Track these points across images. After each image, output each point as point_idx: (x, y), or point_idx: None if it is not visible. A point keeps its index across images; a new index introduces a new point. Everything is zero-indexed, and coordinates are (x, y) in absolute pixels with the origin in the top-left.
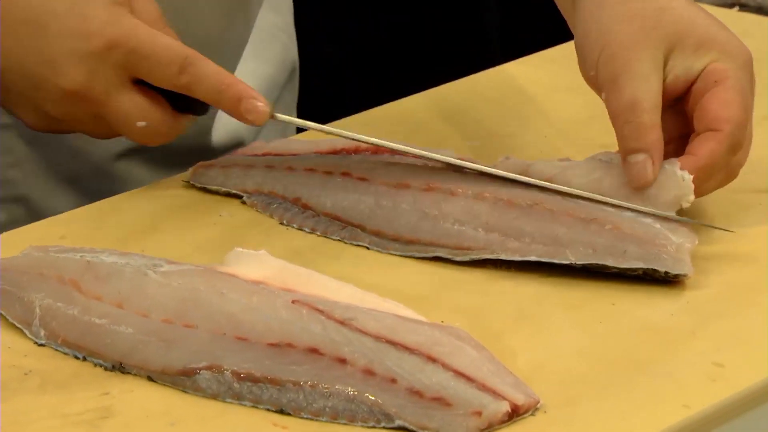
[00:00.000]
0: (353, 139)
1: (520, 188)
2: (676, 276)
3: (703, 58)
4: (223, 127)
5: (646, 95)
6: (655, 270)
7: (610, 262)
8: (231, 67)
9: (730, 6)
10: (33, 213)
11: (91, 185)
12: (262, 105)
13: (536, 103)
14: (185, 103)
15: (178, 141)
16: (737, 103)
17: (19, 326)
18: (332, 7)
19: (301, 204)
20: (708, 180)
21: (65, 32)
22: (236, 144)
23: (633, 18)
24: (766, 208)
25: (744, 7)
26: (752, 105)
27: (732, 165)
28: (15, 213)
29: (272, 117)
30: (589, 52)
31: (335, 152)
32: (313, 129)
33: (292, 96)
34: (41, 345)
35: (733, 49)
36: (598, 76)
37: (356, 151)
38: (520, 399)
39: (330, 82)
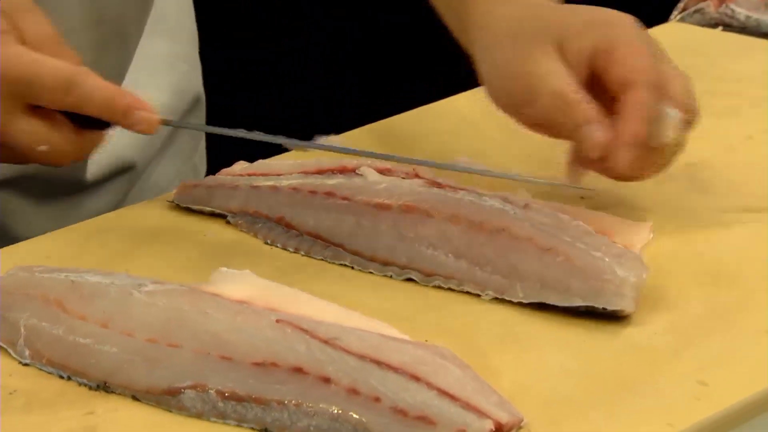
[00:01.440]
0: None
1: (493, 210)
2: (614, 311)
3: (589, 36)
4: (103, 154)
5: (561, 82)
6: (593, 306)
7: (554, 300)
8: None
9: (714, 26)
10: None
11: None
12: (148, 114)
13: None
14: (87, 120)
15: (53, 173)
16: (633, 53)
17: (4, 346)
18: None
19: (285, 223)
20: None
21: None
22: (124, 168)
23: (516, 35)
24: (748, 228)
25: (728, 28)
26: (652, 45)
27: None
28: None
29: (165, 123)
30: (492, 85)
31: (321, 172)
32: (219, 133)
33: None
34: (26, 364)
35: (614, 18)
36: (512, 100)
37: (342, 171)
38: (504, 417)
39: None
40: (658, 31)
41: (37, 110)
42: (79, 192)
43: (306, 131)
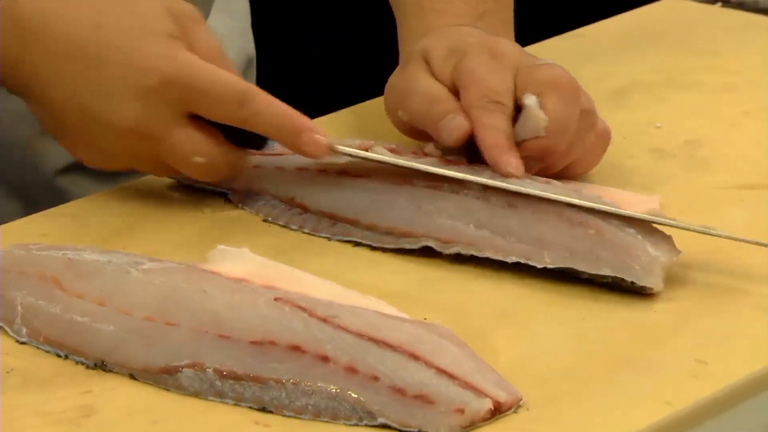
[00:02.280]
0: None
1: (520, 187)
2: (643, 288)
3: (448, 64)
4: None
5: (431, 83)
6: (622, 279)
7: (582, 267)
8: None
9: (713, 2)
10: None
11: (37, 197)
12: (321, 138)
13: None
14: (242, 137)
15: None
16: (468, 80)
17: (1, 324)
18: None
19: (296, 203)
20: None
21: (120, 66)
22: None
23: (405, 62)
24: (747, 205)
25: (726, 3)
26: (503, 64)
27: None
28: None
29: (332, 149)
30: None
31: None
32: (373, 159)
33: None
34: (22, 343)
35: (470, 48)
36: (391, 105)
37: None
38: (503, 396)
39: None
40: (656, 8)
41: (194, 120)
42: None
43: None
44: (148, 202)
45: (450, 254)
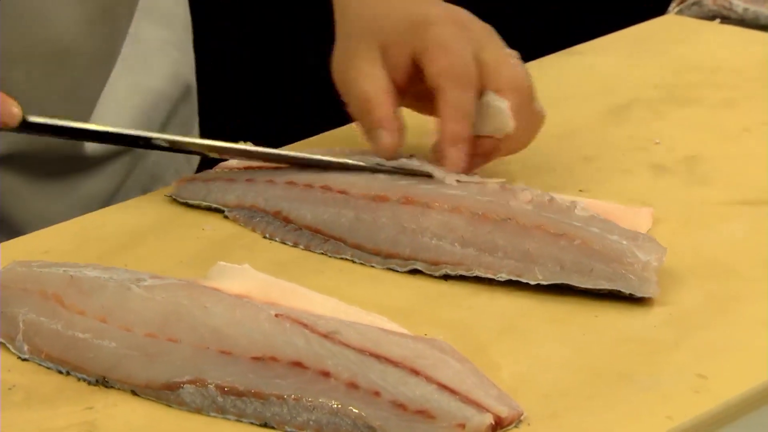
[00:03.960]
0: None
1: (494, 202)
2: (641, 298)
3: (407, 39)
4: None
5: (369, 86)
6: (619, 291)
7: (576, 281)
8: (98, 78)
9: (712, 18)
10: None
11: None
12: (15, 109)
13: None
14: None
15: (51, 149)
16: (442, 54)
17: (3, 341)
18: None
19: (282, 217)
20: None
21: None
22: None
23: (348, 35)
24: (747, 220)
25: (725, 20)
26: (474, 38)
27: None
28: None
29: (24, 120)
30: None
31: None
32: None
33: (190, 112)
34: (25, 360)
35: (433, 18)
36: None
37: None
38: (504, 411)
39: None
40: (656, 24)
41: None
42: (77, 171)
43: (297, 127)
44: (148, 220)
45: None
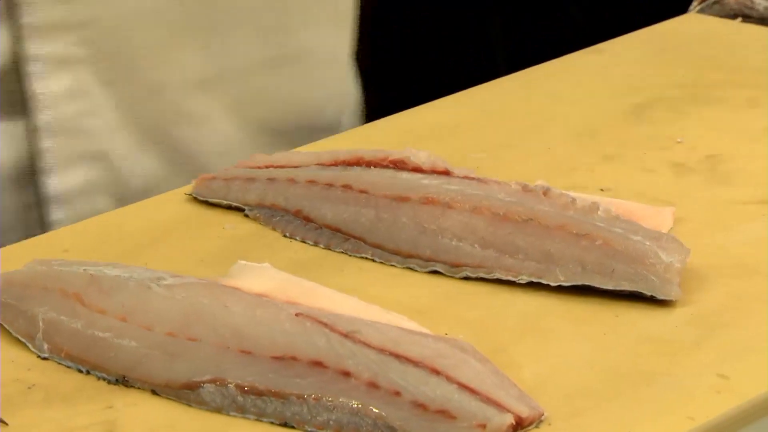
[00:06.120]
0: None
1: (516, 202)
2: (662, 300)
3: None
4: None
5: None
6: (641, 293)
7: (597, 282)
8: None
9: (733, 17)
10: (112, 174)
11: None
12: None
13: (539, 114)
14: None
15: None
16: None
17: (23, 340)
18: None
19: (303, 216)
20: None
21: None
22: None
23: None
24: None
25: (747, 19)
26: None
27: None
28: (92, 173)
29: None
30: None
31: (336, 164)
32: None
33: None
34: (44, 359)
35: None
36: None
37: (357, 163)
38: (525, 411)
39: None
40: (677, 22)
41: None
42: None
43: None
44: (168, 218)
45: None
